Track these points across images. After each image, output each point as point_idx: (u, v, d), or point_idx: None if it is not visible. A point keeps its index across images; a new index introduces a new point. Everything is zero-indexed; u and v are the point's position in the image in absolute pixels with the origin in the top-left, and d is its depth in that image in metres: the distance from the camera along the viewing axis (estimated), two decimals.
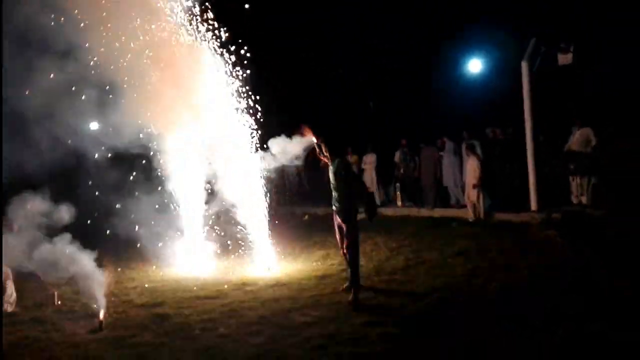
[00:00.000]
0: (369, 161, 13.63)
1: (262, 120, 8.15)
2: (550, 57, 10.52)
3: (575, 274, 6.11)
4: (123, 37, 6.86)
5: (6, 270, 5.77)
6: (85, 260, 5.69)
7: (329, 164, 6.07)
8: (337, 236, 6.10)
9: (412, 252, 8.06)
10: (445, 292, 5.82)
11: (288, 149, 7.24)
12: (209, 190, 8.39)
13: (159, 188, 8.23)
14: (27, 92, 5.56)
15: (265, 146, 7.67)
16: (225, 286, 6.70)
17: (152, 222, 8.01)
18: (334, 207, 6.01)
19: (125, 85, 7.01)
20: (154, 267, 8.08)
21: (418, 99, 15.74)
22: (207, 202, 8.48)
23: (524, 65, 10.35)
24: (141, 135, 7.54)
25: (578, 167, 9.97)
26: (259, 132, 8.00)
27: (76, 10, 6.22)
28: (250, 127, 8.10)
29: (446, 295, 5.71)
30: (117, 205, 7.87)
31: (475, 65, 14.42)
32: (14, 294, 5.90)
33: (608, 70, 11.28)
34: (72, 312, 5.81)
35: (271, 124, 7.79)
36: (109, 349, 4.60)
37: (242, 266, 7.89)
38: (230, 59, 8.06)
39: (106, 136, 7.26)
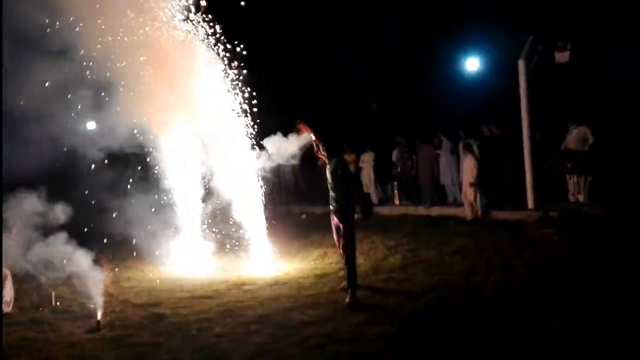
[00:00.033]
0: (367, 160, 13.64)
1: (260, 119, 8.14)
2: (547, 55, 10.54)
3: (572, 272, 6.12)
4: (118, 36, 6.83)
5: (5, 271, 5.75)
6: (82, 260, 5.68)
7: (327, 162, 6.06)
8: (335, 236, 6.09)
9: (410, 250, 8.06)
10: (442, 290, 5.83)
11: (284, 148, 7.24)
12: (206, 189, 8.39)
13: (156, 187, 8.22)
14: (20, 94, 5.52)
15: (261, 145, 7.67)
16: (223, 285, 6.69)
17: (149, 222, 7.99)
18: (331, 207, 6.00)
19: (121, 83, 6.99)
20: (151, 266, 8.07)
21: (415, 98, 15.75)
22: (204, 201, 8.48)
23: (521, 64, 10.35)
24: (137, 134, 7.53)
25: (575, 165, 9.98)
26: (257, 130, 7.98)
27: (70, 9, 6.19)
28: (247, 125, 8.09)
29: (443, 293, 5.72)
30: (113, 205, 7.85)
31: (472, 64, 14.43)
32: (12, 295, 5.88)
33: (608, 70, 11.30)
34: (69, 312, 5.80)
35: (271, 124, 7.77)
36: (107, 349, 4.59)
37: (239, 265, 7.89)
38: (226, 57, 8.04)
39: (102, 135, 7.25)
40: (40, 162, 6.05)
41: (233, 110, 8.04)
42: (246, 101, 8.17)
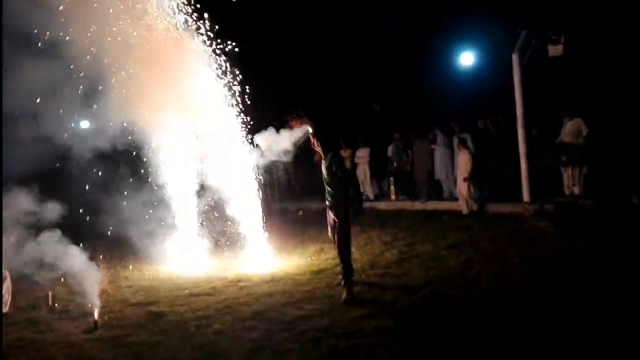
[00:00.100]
0: (362, 155, 13.64)
1: (260, 119, 8.13)
2: (541, 48, 10.56)
3: (567, 264, 6.17)
4: (111, 32, 6.81)
5: (5, 272, 5.76)
6: (79, 260, 5.67)
7: (322, 157, 6.04)
8: (330, 232, 6.08)
9: (406, 245, 8.10)
10: (438, 284, 5.86)
11: (276, 144, 7.20)
12: (202, 187, 8.38)
13: (151, 185, 8.21)
14: (11, 93, 5.49)
15: (253, 142, 7.66)
16: (220, 283, 6.70)
17: (145, 220, 7.99)
18: (327, 202, 5.99)
19: (115, 80, 6.96)
20: (148, 265, 8.07)
21: (411, 93, 15.77)
22: (200, 198, 8.48)
23: (515, 58, 10.39)
24: (131, 131, 7.51)
25: (570, 158, 10.03)
26: (256, 129, 7.96)
27: (60, 5, 6.15)
28: (245, 123, 8.09)
29: (440, 288, 5.75)
30: (109, 204, 7.84)
31: (467, 58, 14.45)
32: (10, 295, 5.88)
33: (608, 70, 11.34)
34: (67, 312, 5.79)
35: (271, 123, 7.77)
36: (105, 349, 4.59)
37: (236, 262, 7.89)
38: (225, 57, 8.03)
39: (96, 133, 7.23)
40: (32, 161, 6.04)
41: (231, 108, 8.03)
42: (245, 100, 8.16)
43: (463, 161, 10.28)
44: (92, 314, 5.33)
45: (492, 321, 4.60)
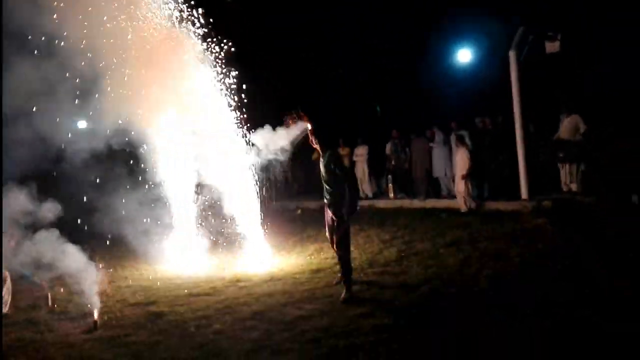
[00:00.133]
0: (361, 153, 13.66)
1: (258, 118, 8.12)
2: (538, 45, 10.58)
3: (565, 261, 6.19)
4: (106, 30, 6.80)
5: (5, 272, 5.77)
6: (78, 260, 5.68)
7: (321, 155, 6.03)
8: (327, 230, 6.06)
9: (405, 243, 8.12)
10: (437, 282, 5.88)
11: (273, 142, 7.19)
12: (200, 186, 8.38)
13: (149, 184, 8.21)
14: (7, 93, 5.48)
15: (250, 141, 7.65)
16: (220, 283, 6.71)
17: (143, 219, 7.99)
18: (325, 200, 5.98)
19: (112, 79, 6.95)
20: (147, 265, 8.08)
21: (409, 92, 15.79)
22: (197, 197, 8.48)
23: (512, 55, 10.41)
24: (128, 130, 7.51)
25: (567, 154, 10.05)
26: (255, 129, 7.96)
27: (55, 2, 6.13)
28: (243, 123, 8.08)
29: (438, 285, 5.76)
30: (107, 204, 7.84)
31: (464, 55, 14.46)
32: (10, 295, 5.89)
33: (608, 70, 11.37)
34: (66, 312, 5.79)
35: (270, 123, 7.77)
36: (104, 349, 4.60)
37: (235, 262, 7.91)
38: (224, 57, 8.03)
39: (93, 132, 7.22)
40: (30, 161, 6.04)
41: (230, 108, 8.03)
42: (244, 100, 8.16)
43: (461, 159, 10.30)
44: (91, 314, 5.34)
45: (491, 318, 4.62)
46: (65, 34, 6.28)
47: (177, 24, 7.61)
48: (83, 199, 7.72)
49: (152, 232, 8.16)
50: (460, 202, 10.40)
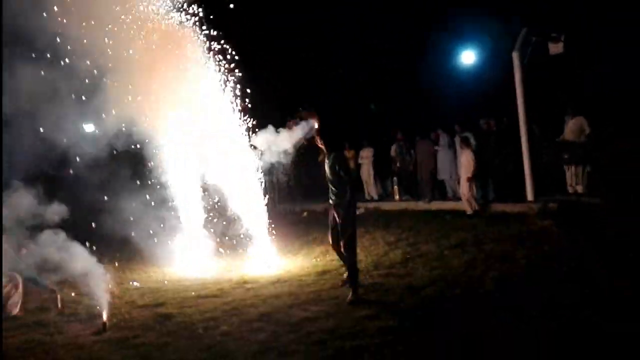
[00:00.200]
0: (366, 156, 13.69)
1: (259, 119, 8.17)
2: (541, 46, 10.58)
3: (571, 263, 6.19)
4: (112, 32, 6.87)
5: (17, 277, 5.84)
6: (87, 262, 5.75)
7: (326, 157, 6.04)
8: (330, 231, 6.04)
9: (410, 245, 8.14)
10: (442, 284, 5.90)
11: (275, 145, 7.22)
12: (206, 188, 8.43)
13: (156, 186, 8.27)
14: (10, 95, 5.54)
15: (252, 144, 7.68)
16: (227, 284, 6.76)
17: (151, 221, 8.05)
18: (330, 201, 5.99)
19: (117, 82, 7.02)
20: (155, 267, 8.14)
21: (413, 93, 15.80)
22: (204, 199, 8.52)
23: (515, 56, 10.42)
24: (135, 133, 7.57)
25: (572, 156, 10.04)
26: (257, 130, 8.00)
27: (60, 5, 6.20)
28: (247, 124, 8.13)
29: (443, 287, 5.78)
30: (114, 206, 7.90)
31: (468, 57, 14.47)
32: (21, 298, 5.96)
33: (608, 70, 11.37)
34: (75, 314, 5.85)
35: (271, 123, 7.81)
36: (113, 350, 4.65)
37: (242, 264, 7.95)
38: (226, 58, 8.08)
39: (99, 135, 7.29)
40: (37, 163, 6.12)
41: (232, 108, 8.07)
42: (245, 100, 8.20)
43: (466, 161, 10.29)
44: (100, 316, 5.39)
45: (496, 320, 4.63)
46: (70, 36, 6.36)
47: (180, 25, 7.67)
48: (90, 200, 7.79)
49: (160, 234, 8.21)
50: (465, 204, 10.40)
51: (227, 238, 8.73)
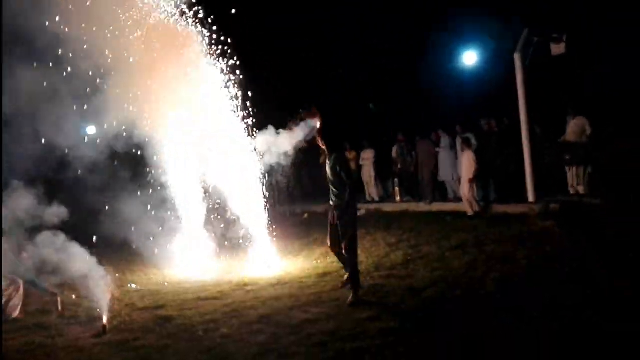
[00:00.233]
0: (367, 157, 13.68)
1: (259, 119, 8.16)
2: (543, 47, 10.57)
3: (573, 264, 6.16)
4: (113, 35, 6.88)
5: (18, 280, 5.83)
6: (87, 265, 5.74)
7: (327, 158, 6.02)
8: (329, 232, 6.01)
9: (411, 247, 8.12)
10: (443, 285, 5.88)
11: (275, 146, 7.20)
12: (206, 190, 8.43)
13: (156, 188, 8.27)
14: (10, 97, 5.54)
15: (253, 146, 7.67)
16: (227, 286, 6.75)
17: (150, 223, 8.05)
18: (331, 202, 5.97)
19: (117, 83, 7.02)
20: (155, 269, 8.14)
21: (414, 94, 15.79)
22: (204, 201, 8.52)
23: (517, 57, 10.40)
24: (135, 134, 7.58)
25: (573, 157, 10.02)
26: (257, 130, 7.98)
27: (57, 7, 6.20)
28: (247, 125, 8.12)
29: (444, 289, 5.77)
30: (114, 208, 7.90)
31: (470, 58, 14.45)
32: (21, 300, 5.95)
33: (608, 70, 11.35)
34: (76, 317, 5.85)
35: (271, 123, 7.80)
36: (113, 353, 4.65)
37: (242, 266, 7.94)
38: (225, 57, 8.08)
39: (101, 137, 7.30)
40: (38, 165, 6.12)
41: (232, 108, 8.06)
42: (245, 100, 8.20)
43: (467, 161, 10.25)
44: (100, 318, 5.38)
45: (497, 322, 4.61)
46: (70, 37, 6.37)
47: (180, 26, 7.67)
48: (91, 202, 7.79)
49: (160, 235, 8.21)
50: (466, 205, 10.38)
51: (227, 240, 8.72)
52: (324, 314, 5.23)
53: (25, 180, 5.74)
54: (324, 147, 5.99)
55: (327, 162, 5.94)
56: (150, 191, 8.23)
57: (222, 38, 8.05)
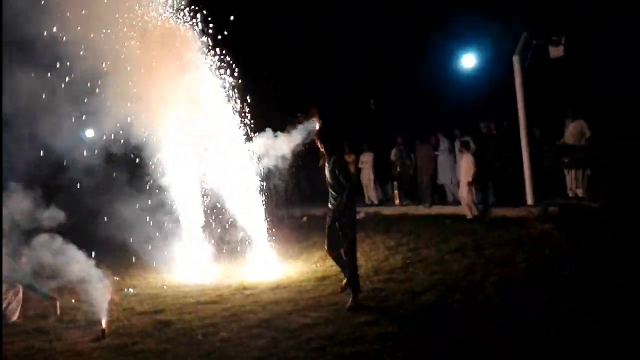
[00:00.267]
0: (366, 160, 13.68)
1: (258, 119, 8.15)
2: (541, 50, 10.60)
3: (572, 267, 6.17)
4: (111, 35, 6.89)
5: (17, 284, 5.83)
6: (86, 269, 5.74)
7: (326, 160, 5.97)
8: (326, 235, 5.96)
9: (410, 250, 8.13)
10: (442, 289, 5.88)
11: (273, 149, 7.20)
12: (205, 193, 8.43)
13: (155, 191, 8.27)
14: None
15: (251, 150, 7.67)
16: (226, 290, 6.75)
17: (149, 227, 8.05)
18: (330, 205, 5.93)
19: (113, 85, 7.03)
20: (154, 273, 8.13)
21: (413, 96, 15.81)
22: (203, 204, 8.52)
23: (516, 60, 10.43)
24: (132, 139, 7.58)
25: (572, 160, 10.04)
26: (257, 132, 7.97)
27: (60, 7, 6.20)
28: (246, 126, 8.12)
29: (443, 292, 5.77)
30: (113, 212, 7.89)
31: (468, 60, 14.45)
32: (20, 305, 5.95)
33: (608, 70, 11.38)
34: (74, 321, 5.85)
35: (271, 124, 7.79)
36: (112, 357, 4.65)
37: (241, 270, 7.94)
38: (225, 59, 8.09)
39: (99, 140, 7.30)
40: (37, 168, 6.13)
41: (232, 109, 8.07)
42: (245, 101, 8.21)
43: (466, 164, 10.25)
44: (99, 322, 5.38)
45: (495, 326, 4.62)
46: (69, 40, 6.37)
47: (180, 26, 7.68)
48: (89, 205, 7.79)
49: (159, 239, 8.20)
50: (465, 208, 10.38)
51: (226, 243, 8.72)
52: (322, 318, 5.24)
53: (24, 182, 5.74)
54: (322, 149, 5.95)
55: (326, 165, 5.91)
56: (150, 194, 8.23)
57: (222, 38, 8.05)
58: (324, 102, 14.92)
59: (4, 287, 5.72)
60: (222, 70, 8.08)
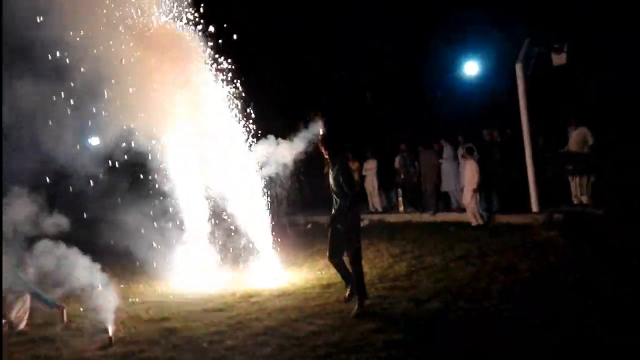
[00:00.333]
0: (370, 167, 13.70)
1: (261, 120, 8.17)
2: (544, 58, 10.65)
3: (576, 274, 6.19)
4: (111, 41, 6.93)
5: (25, 294, 5.87)
6: (92, 277, 5.78)
7: (330, 167, 6.01)
8: (329, 243, 6.00)
9: (415, 257, 8.13)
10: (447, 296, 5.89)
11: (274, 156, 7.22)
12: (210, 201, 8.45)
13: (160, 199, 8.30)
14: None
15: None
16: (232, 298, 6.78)
17: (154, 235, 8.08)
18: (333, 212, 5.97)
19: (115, 93, 7.06)
20: (160, 281, 8.15)
21: (416, 103, 15.86)
22: (208, 212, 8.54)
23: (518, 67, 10.46)
24: (138, 146, 7.62)
25: (576, 167, 10.05)
26: (260, 135, 7.99)
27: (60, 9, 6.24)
28: (250, 130, 8.14)
29: (448, 299, 5.78)
30: (118, 220, 7.93)
31: (471, 68, 14.53)
32: (27, 314, 5.98)
33: (610, 78, 11.42)
34: (81, 329, 5.86)
35: (274, 126, 7.81)
36: None
37: (246, 277, 7.96)
38: (228, 61, 8.14)
39: (103, 148, 7.34)
40: (41, 175, 6.17)
41: (234, 111, 8.10)
42: (248, 103, 8.24)
43: (470, 171, 10.25)
44: (106, 330, 5.41)
45: (500, 333, 4.63)
46: (69, 44, 6.42)
47: (181, 28, 7.73)
48: (94, 213, 7.82)
49: (164, 247, 8.23)
50: (470, 215, 10.39)
51: (230, 251, 8.74)
52: (328, 325, 5.25)
53: (27, 188, 5.78)
54: (327, 156, 5.97)
55: (331, 172, 5.94)
56: (154, 201, 8.26)
57: (225, 41, 8.09)
58: (326, 104, 15.04)
59: (12, 296, 5.76)
60: (225, 74, 8.10)
